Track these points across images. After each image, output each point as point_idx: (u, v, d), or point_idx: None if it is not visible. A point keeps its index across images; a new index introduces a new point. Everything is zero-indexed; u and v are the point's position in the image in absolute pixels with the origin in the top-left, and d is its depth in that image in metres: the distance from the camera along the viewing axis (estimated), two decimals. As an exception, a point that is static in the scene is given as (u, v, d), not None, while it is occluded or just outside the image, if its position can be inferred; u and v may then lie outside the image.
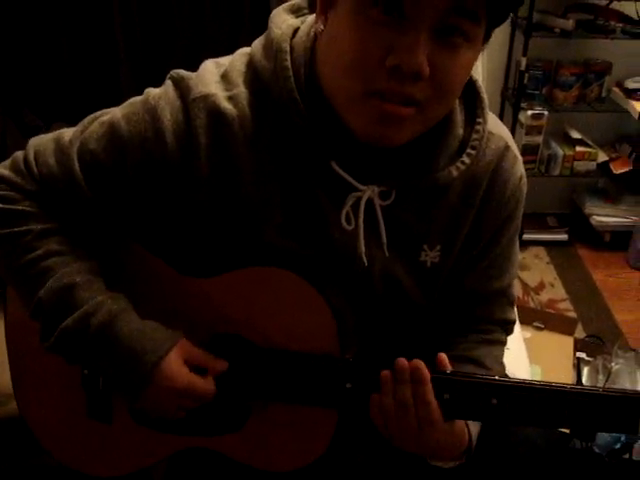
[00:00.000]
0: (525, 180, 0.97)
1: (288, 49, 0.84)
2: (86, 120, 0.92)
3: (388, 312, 0.98)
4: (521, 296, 2.61)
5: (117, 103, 0.92)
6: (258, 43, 0.88)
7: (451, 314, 1.03)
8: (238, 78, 0.87)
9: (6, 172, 0.90)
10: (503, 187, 0.94)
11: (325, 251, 0.90)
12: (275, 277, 0.89)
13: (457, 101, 0.88)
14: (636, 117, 2.68)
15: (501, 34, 2.78)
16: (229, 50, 0.92)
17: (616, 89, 2.84)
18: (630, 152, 2.95)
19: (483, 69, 2.45)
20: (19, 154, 0.92)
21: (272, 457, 0.97)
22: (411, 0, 0.71)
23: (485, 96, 0.92)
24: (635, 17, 2.67)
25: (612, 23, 2.67)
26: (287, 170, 0.87)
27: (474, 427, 0.92)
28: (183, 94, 0.85)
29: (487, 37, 0.79)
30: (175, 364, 0.88)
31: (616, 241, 2.96)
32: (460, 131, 0.90)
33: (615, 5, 2.65)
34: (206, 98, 0.84)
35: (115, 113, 0.89)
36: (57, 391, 1.01)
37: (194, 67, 0.90)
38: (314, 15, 0.84)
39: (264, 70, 0.85)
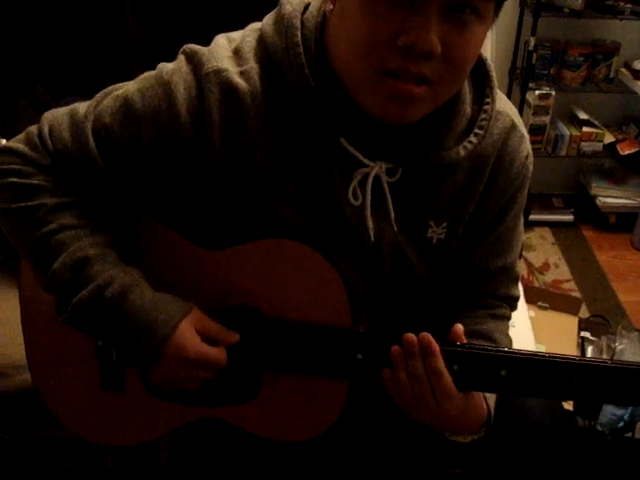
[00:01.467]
0: (531, 158, 0.98)
1: (299, 25, 0.85)
2: (100, 94, 0.92)
3: (397, 287, 0.99)
4: (526, 276, 2.62)
5: (128, 78, 0.92)
6: (269, 19, 0.89)
7: (457, 290, 1.04)
8: (249, 54, 0.87)
9: (20, 146, 0.91)
10: (509, 165, 0.95)
11: (335, 226, 0.91)
12: (288, 249, 0.90)
13: (466, 79, 0.88)
14: (644, 98, 2.68)
15: (510, 13, 2.77)
16: (239, 25, 0.92)
17: (624, 70, 2.83)
18: (637, 133, 2.94)
19: (492, 48, 2.44)
20: (33, 128, 0.92)
21: (283, 427, 0.98)
22: None
23: (494, 75, 0.92)
24: (645, -3, 2.66)
25: (621, 4, 2.66)
26: (298, 145, 0.88)
27: (491, 400, 0.93)
28: (196, 69, 0.86)
29: (497, 11, 0.79)
30: (188, 334, 0.89)
31: (621, 222, 2.96)
32: (468, 110, 0.90)
33: (625, -15, 2.65)
34: (218, 73, 0.85)
35: (129, 87, 0.89)
36: (71, 363, 1.02)
37: (205, 41, 0.90)
38: None
39: (275, 46, 0.86)
